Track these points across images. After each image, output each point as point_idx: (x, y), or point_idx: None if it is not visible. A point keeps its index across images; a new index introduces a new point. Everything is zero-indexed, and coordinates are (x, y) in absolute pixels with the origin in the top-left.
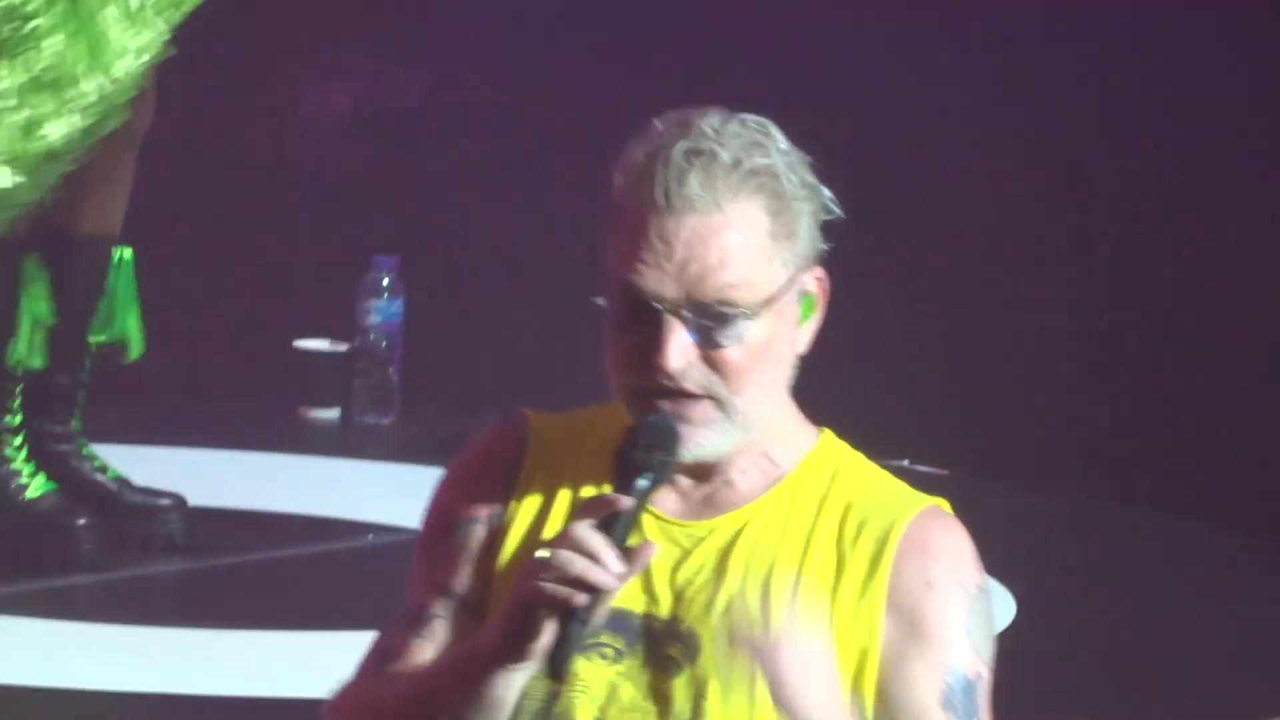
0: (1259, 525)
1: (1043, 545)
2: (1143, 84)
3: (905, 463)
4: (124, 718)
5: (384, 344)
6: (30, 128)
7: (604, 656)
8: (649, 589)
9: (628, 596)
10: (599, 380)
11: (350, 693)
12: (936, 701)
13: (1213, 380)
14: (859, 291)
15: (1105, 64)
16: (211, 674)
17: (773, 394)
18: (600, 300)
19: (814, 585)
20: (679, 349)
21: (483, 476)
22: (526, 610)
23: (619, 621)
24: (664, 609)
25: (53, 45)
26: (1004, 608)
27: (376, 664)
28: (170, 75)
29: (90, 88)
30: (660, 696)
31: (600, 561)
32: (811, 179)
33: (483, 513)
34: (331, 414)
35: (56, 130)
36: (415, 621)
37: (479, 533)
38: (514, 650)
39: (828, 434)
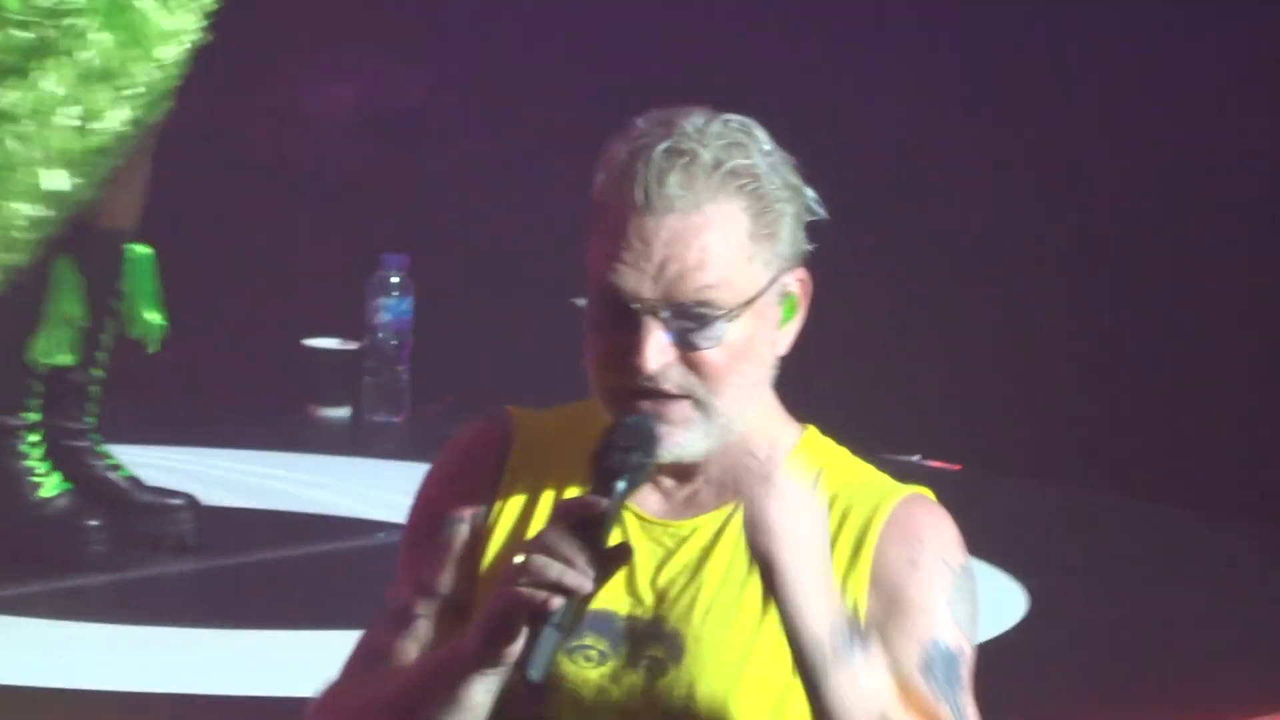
0: (1266, 521)
1: (1053, 541)
2: (1142, 84)
3: (917, 458)
4: (136, 718)
5: (393, 342)
6: (83, 124)
7: (588, 659)
8: (632, 590)
9: (611, 598)
10: None
11: (335, 693)
12: (916, 669)
13: (1219, 378)
14: (870, 290)
15: (1105, 64)
16: (222, 673)
17: (753, 394)
18: (579, 301)
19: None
20: (657, 350)
21: (466, 475)
22: (502, 615)
23: (603, 623)
24: (647, 610)
25: (98, 39)
26: (1014, 603)
27: (361, 664)
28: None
29: (138, 77)
30: (645, 698)
31: (575, 566)
32: (795, 180)
33: (467, 511)
34: (342, 412)
35: (108, 124)
36: (400, 622)
37: (463, 532)
38: (490, 655)
39: (812, 431)
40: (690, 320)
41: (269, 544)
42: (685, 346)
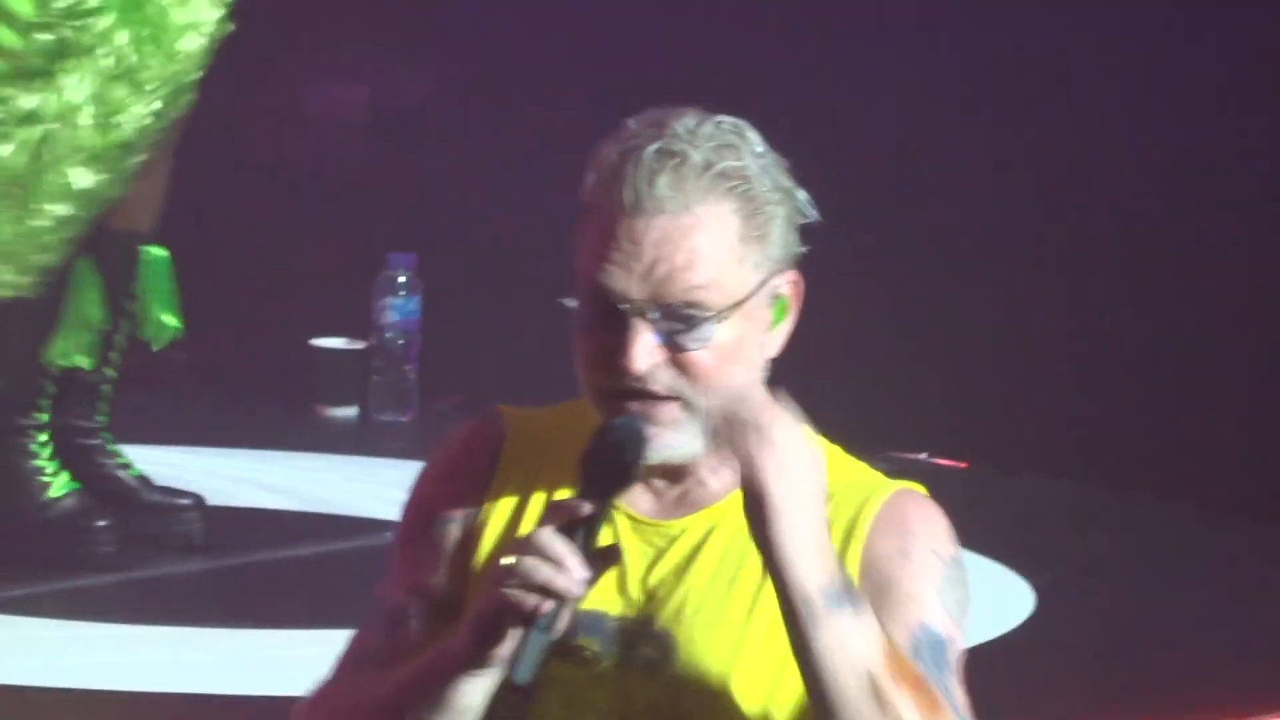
0: (1270, 521)
1: (1061, 538)
2: (1142, 84)
3: (924, 456)
4: (144, 717)
5: (400, 342)
6: (106, 121)
7: (579, 659)
8: (623, 590)
9: (602, 598)
10: None
11: (326, 693)
12: (905, 653)
13: (1221, 377)
14: (874, 289)
15: (1105, 63)
16: (230, 672)
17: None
18: (569, 301)
19: None
20: (644, 351)
21: (459, 474)
22: (490, 617)
23: (594, 624)
24: (638, 610)
25: (117, 35)
26: (1022, 600)
27: (353, 664)
28: None
29: (158, 71)
30: (636, 698)
31: (564, 568)
32: (786, 182)
33: (459, 511)
34: (349, 412)
35: (130, 120)
36: (391, 622)
37: (455, 531)
38: (478, 656)
39: (804, 430)
40: (679, 321)
41: (276, 543)
42: (674, 348)
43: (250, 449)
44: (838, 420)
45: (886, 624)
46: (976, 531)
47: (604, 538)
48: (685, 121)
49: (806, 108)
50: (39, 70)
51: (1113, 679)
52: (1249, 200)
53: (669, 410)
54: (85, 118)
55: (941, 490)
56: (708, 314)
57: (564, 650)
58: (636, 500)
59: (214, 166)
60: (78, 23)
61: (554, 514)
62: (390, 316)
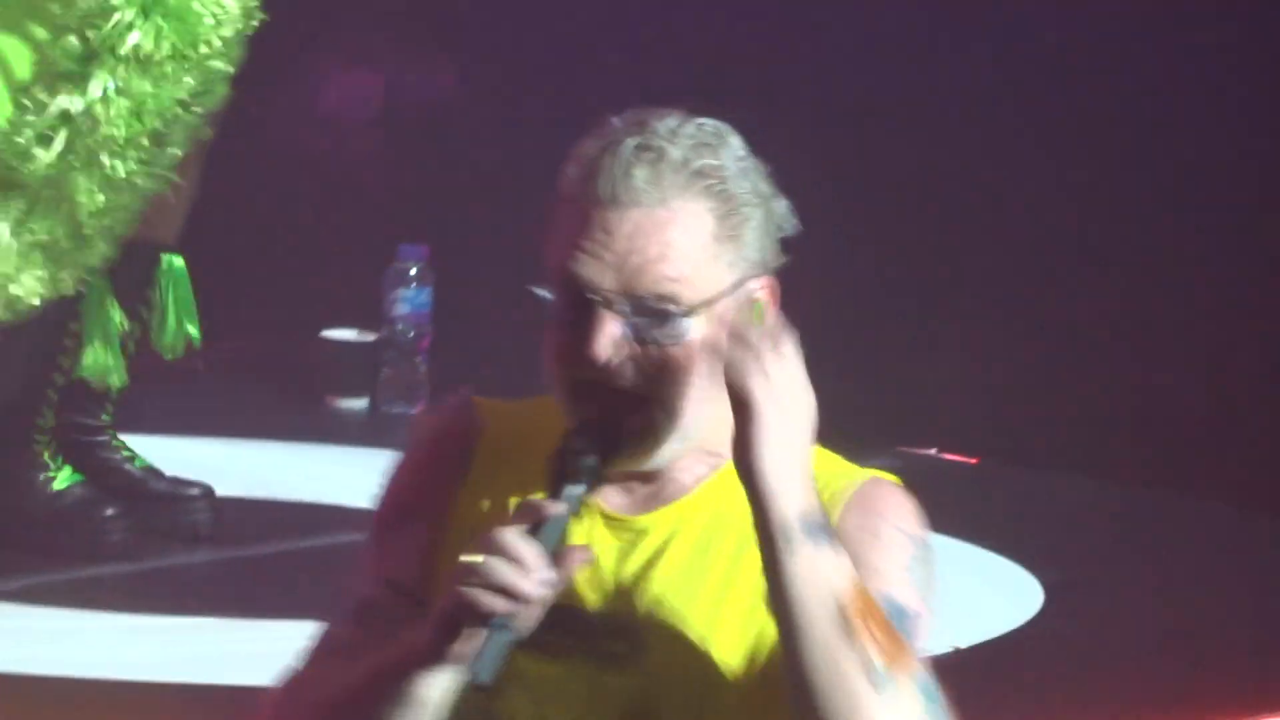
0: None
1: (1070, 533)
2: (1142, 83)
3: (933, 451)
4: (151, 708)
5: (411, 334)
6: (132, 111)
7: (547, 654)
8: (593, 585)
9: (572, 593)
10: None
11: (294, 684)
12: None
13: (1247, 369)
14: (885, 285)
15: (1104, 63)
16: (238, 663)
17: (712, 396)
18: (541, 292)
19: (754, 565)
20: (610, 341)
21: (431, 467)
22: (451, 615)
23: (563, 618)
24: (607, 605)
25: (143, 30)
26: (1031, 595)
27: (321, 656)
28: None
29: (178, 59)
30: (605, 693)
31: (527, 570)
32: (766, 188)
33: (430, 504)
34: (359, 404)
35: (155, 108)
36: (361, 613)
37: (427, 524)
38: (439, 653)
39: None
40: (649, 315)
41: (285, 534)
42: (641, 341)
43: (260, 440)
44: (848, 414)
45: None
46: (986, 527)
47: (573, 531)
48: (667, 121)
49: (818, 101)
50: (70, 74)
51: (1122, 676)
52: (1266, 189)
53: (641, 417)
54: (112, 111)
55: (951, 485)
56: (679, 309)
57: (534, 645)
58: (607, 495)
59: (225, 158)
60: (105, 20)
61: (522, 514)
62: (401, 308)
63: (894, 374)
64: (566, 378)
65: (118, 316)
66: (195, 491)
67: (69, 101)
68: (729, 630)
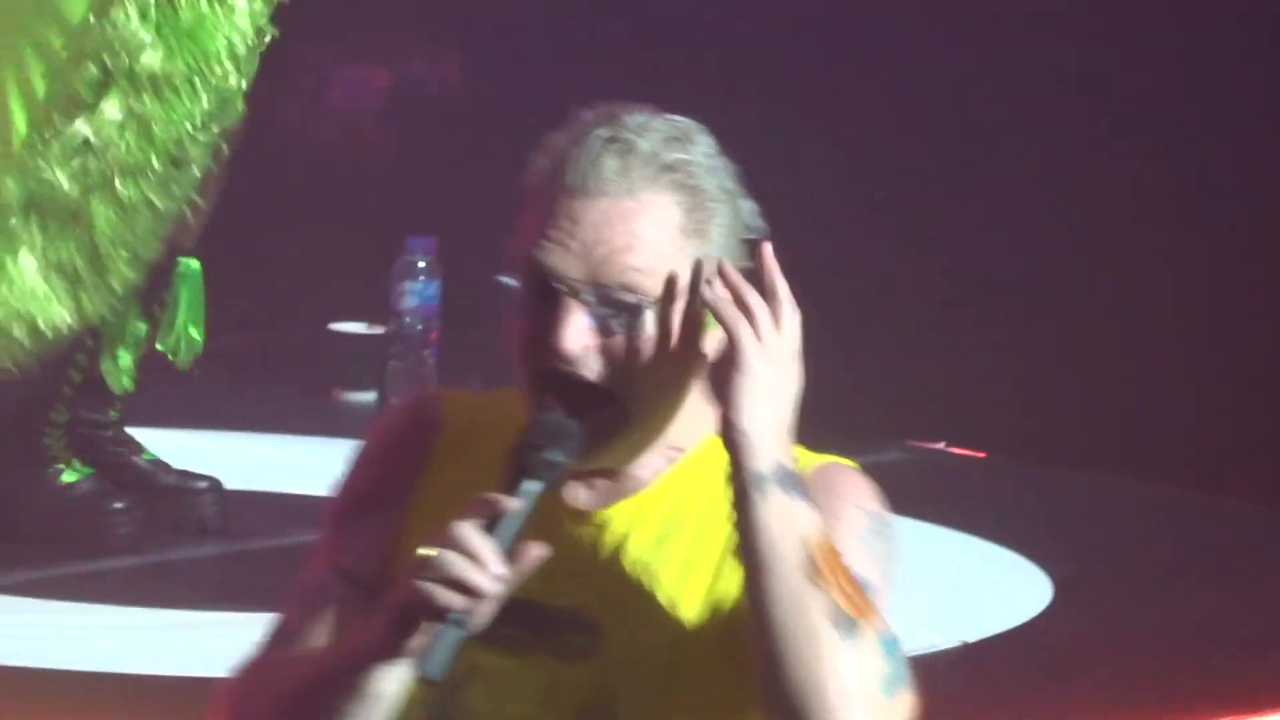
0: None
1: (1079, 529)
2: (1143, 83)
3: (942, 445)
4: (159, 701)
5: (419, 327)
6: (143, 133)
7: (506, 647)
8: (552, 578)
9: (531, 586)
10: None
11: (247, 674)
12: None
13: (1256, 364)
14: (895, 279)
15: (1123, 59)
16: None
17: (676, 391)
18: (507, 280)
19: (712, 556)
20: (575, 331)
21: (390, 459)
22: (403, 609)
23: (521, 611)
24: (565, 598)
25: (153, 52)
26: (1040, 590)
27: (275, 645)
28: None
29: (186, 77)
30: (563, 686)
31: (481, 565)
32: (733, 186)
33: (388, 496)
34: (367, 397)
35: (166, 128)
36: (316, 603)
37: (384, 515)
38: (393, 647)
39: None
40: (614, 307)
41: (293, 527)
42: (608, 334)
43: (268, 433)
44: (857, 408)
45: None
46: (994, 521)
47: (532, 525)
48: (637, 115)
49: (821, 98)
50: (85, 102)
51: (1130, 671)
52: None
53: (603, 415)
54: (124, 134)
55: (959, 479)
56: (644, 300)
57: (493, 639)
58: (567, 489)
59: (233, 151)
60: (117, 46)
61: (478, 508)
62: (409, 301)
63: (903, 368)
64: (530, 368)
65: (142, 326)
66: (203, 484)
67: (85, 126)
68: (688, 616)
